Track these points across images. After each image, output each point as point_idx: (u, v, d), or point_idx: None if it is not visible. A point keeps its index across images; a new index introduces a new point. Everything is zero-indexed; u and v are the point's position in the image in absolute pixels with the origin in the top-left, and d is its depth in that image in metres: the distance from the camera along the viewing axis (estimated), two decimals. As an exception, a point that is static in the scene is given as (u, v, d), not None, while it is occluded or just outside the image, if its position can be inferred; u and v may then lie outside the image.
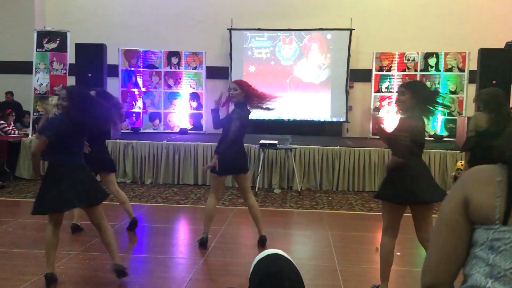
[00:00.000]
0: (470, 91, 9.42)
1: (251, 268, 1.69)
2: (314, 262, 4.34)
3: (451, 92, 9.80)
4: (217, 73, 10.80)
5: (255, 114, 10.62)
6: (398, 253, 4.60)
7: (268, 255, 1.69)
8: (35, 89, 8.83)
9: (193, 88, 10.50)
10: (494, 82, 8.03)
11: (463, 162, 7.29)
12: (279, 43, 10.75)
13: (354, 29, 10.38)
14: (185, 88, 10.49)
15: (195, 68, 10.49)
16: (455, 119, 9.31)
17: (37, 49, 8.85)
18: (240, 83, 4.50)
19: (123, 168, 8.11)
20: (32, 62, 8.87)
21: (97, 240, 4.71)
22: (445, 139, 9.41)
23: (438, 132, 9.74)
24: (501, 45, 8.85)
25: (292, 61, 10.75)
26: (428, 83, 9.92)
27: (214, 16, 10.99)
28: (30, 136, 8.63)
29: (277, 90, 10.58)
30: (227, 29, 10.76)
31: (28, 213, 5.81)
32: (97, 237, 4.78)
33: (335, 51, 10.61)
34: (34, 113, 8.79)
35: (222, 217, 5.78)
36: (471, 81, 9.34)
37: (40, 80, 8.81)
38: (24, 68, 9.94)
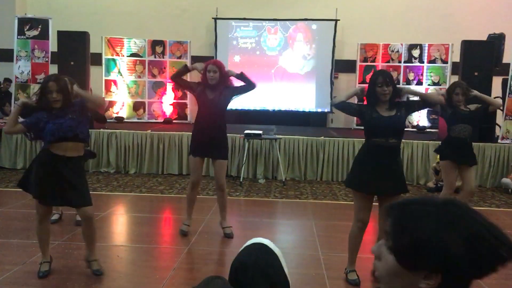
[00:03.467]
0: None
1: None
2: (297, 251, 4.38)
3: (434, 84, 9.90)
4: (202, 62, 10.71)
5: (240, 104, 10.60)
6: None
7: (252, 244, 1.70)
8: (16, 77, 8.67)
9: (178, 77, 10.42)
10: (476, 73, 8.14)
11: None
12: (264, 33, 10.72)
13: (339, 20, 10.40)
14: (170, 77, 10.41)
15: (179, 58, 10.41)
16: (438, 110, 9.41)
17: (18, 36, 8.68)
18: (220, 66, 4.49)
19: (107, 157, 8.05)
20: (13, 50, 8.70)
21: (80, 230, 4.69)
22: (428, 130, 9.52)
23: (421, 123, 9.86)
24: (484, 37, 8.95)
25: (277, 51, 10.73)
26: (411, 75, 10.01)
27: (199, 5, 10.90)
28: (11, 125, 8.48)
29: (262, 80, 10.62)
30: (212, 18, 10.69)
31: (10, 203, 5.77)
32: (80, 227, 4.77)
33: (320, 42, 10.62)
34: (15, 102, 8.64)
35: (206, 206, 5.78)
36: (454, 72, 9.44)
37: (21, 68, 8.65)
38: (5, 55, 9.75)
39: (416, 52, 9.97)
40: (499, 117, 8.53)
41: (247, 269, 1.58)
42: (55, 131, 3.42)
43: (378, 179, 3.39)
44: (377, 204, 3.60)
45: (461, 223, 0.97)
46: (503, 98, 8.64)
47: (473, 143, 5.02)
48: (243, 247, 1.70)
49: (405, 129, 3.58)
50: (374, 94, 3.42)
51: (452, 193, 4.85)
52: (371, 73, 9.88)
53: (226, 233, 4.63)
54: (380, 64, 10.07)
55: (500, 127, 8.32)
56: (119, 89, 10.30)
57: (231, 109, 7.63)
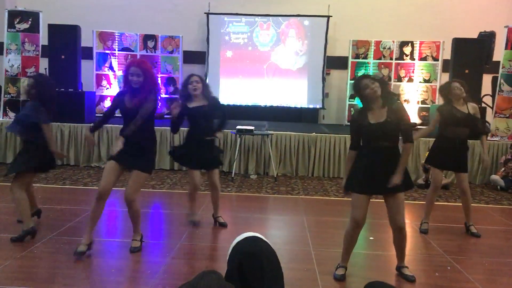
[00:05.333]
0: (443, 80, 9.58)
1: (230, 250, 1.72)
2: (289, 247, 4.40)
3: (425, 81, 9.96)
4: (194, 57, 10.70)
5: (232, 100, 10.59)
6: (371, 238, 4.72)
7: (247, 237, 1.72)
8: (6, 71, 8.59)
9: (170, 72, 10.39)
10: (466, 71, 8.21)
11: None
12: (257, 28, 10.70)
13: (331, 16, 10.41)
14: (161, 72, 10.37)
15: (171, 52, 10.36)
16: (429, 107, 9.49)
17: (8, 29, 8.59)
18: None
19: (98, 152, 8.02)
20: (3, 43, 8.62)
21: (71, 224, 4.69)
22: (419, 127, 9.57)
23: (411, 120, 9.90)
24: (475, 35, 9.02)
25: (269, 47, 10.72)
26: (403, 72, 10.04)
27: (192, -1, 10.85)
28: (0, 119, 8.41)
29: (254, 76, 10.67)
30: (205, 13, 10.65)
31: (0, 197, 5.73)
32: (71, 221, 4.77)
33: (312, 38, 10.63)
34: (5, 95, 8.56)
35: (198, 202, 5.78)
36: (445, 70, 9.50)
37: (11, 61, 8.57)
38: (-5, 48, 9.65)
39: (407, 49, 10.01)
40: (489, 114, 8.62)
41: (254, 258, 1.62)
42: None
43: (374, 178, 3.45)
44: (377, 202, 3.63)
45: None
46: (493, 95, 8.73)
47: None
48: (237, 241, 1.72)
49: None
50: (365, 100, 3.48)
51: (439, 189, 4.97)
52: (362, 70, 9.97)
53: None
54: (372, 61, 10.10)
55: (489, 124, 8.40)
56: (110, 84, 10.23)
57: (222, 104, 7.62)
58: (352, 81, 10.02)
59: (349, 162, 3.61)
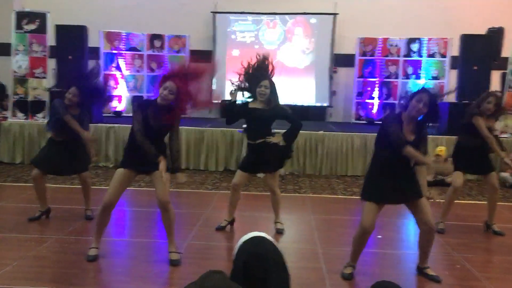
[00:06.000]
0: (451, 77, 9.52)
1: (236, 250, 1.72)
2: (297, 245, 4.39)
3: (433, 78, 9.89)
4: (201, 56, 10.70)
5: (238, 98, 10.53)
6: (379, 236, 4.69)
7: (253, 237, 1.72)
8: (14, 71, 8.64)
9: (177, 71, 10.39)
10: (475, 67, 8.14)
11: (442, 148, 7.42)
12: (263, 27, 10.69)
13: (338, 14, 10.37)
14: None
15: (178, 52, 10.38)
16: (437, 105, 9.41)
17: (16, 30, 8.63)
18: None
19: (105, 152, 8.04)
20: (10, 44, 8.67)
21: (80, 224, 4.71)
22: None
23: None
24: (483, 31, 8.94)
25: (276, 45, 10.71)
26: (410, 69, 9.99)
27: (198, -2, 10.86)
28: (9, 119, 8.46)
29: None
30: (211, 12, 10.65)
31: (9, 197, 5.77)
32: (79, 221, 4.79)
33: (319, 36, 10.59)
34: (14, 96, 8.61)
35: (205, 201, 5.80)
36: (453, 66, 9.43)
37: (19, 62, 8.61)
38: (3, 49, 9.69)
39: (415, 46, 9.95)
40: (498, 111, 8.52)
41: (259, 258, 1.62)
42: None
43: (397, 187, 3.42)
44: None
45: None
46: (502, 92, 8.65)
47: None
48: (244, 240, 1.72)
49: None
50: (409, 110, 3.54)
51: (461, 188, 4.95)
52: (369, 67, 9.91)
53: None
54: (379, 59, 10.05)
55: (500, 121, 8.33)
56: (117, 84, 10.27)
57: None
58: (359, 79, 9.98)
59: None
